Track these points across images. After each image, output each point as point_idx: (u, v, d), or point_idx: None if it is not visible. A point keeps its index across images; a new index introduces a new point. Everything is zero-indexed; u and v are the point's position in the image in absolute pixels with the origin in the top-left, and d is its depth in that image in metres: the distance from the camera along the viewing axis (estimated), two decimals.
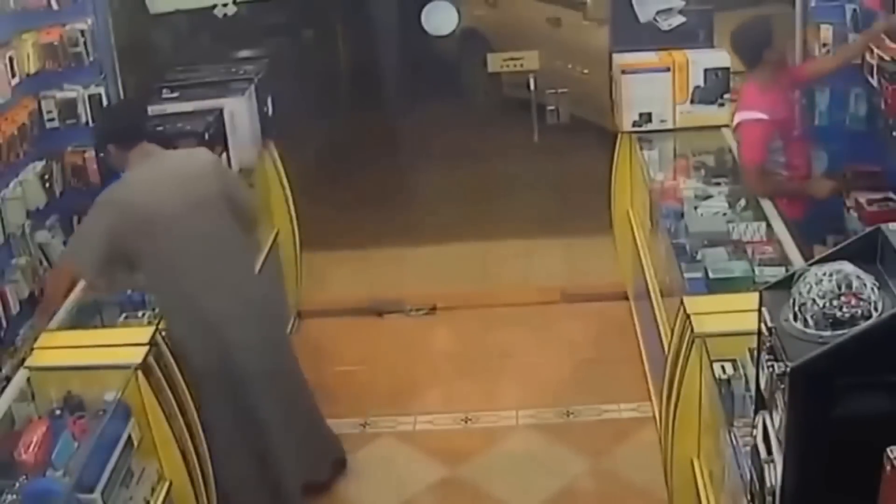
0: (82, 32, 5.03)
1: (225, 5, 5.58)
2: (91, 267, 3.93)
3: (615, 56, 5.47)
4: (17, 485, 3.22)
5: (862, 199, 4.65)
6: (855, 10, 4.81)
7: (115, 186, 4.02)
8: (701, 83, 5.21)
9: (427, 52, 8.62)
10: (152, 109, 4.97)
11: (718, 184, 4.75)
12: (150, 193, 3.91)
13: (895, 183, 4.66)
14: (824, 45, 5.00)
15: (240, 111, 5.04)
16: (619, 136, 5.55)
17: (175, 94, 5.08)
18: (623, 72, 5.29)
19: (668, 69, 5.24)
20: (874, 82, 4.62)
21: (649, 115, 5.29)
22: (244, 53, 6.39)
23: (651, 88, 5.26)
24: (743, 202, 4.52)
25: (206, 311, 3.96)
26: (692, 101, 5.25)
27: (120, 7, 5.35)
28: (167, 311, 3.98)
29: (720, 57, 5.24)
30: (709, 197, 4.61)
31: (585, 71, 7.22)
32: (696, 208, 4.51)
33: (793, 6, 5.20)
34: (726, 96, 5.20)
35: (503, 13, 8.43)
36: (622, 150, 5.59)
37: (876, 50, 4.56)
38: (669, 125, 5.29)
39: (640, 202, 5.26)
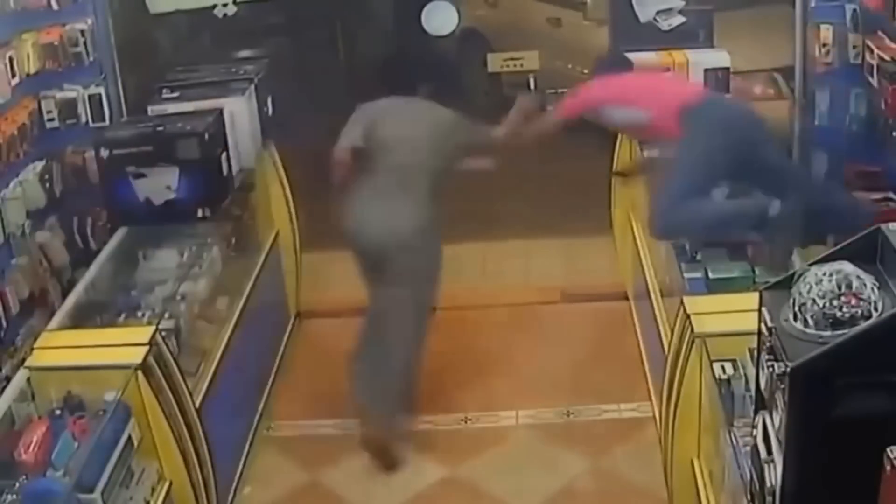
0: (82, 32, 5.04)
1: (225, 5, 5.58)
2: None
3: None
4: (17, 485, 3.23)
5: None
6: (855, 10, 4.81)
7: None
8: (701, 83, 5.21)
9: (427, 51, 8.60)
10: (152, 109, 4.98)
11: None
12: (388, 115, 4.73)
13: (895, 183, 4.66)
14: (824, 45, 5.00)
15: (240, 111, 5.03)
16: (620, 135, 5.54)
17: (175, 94, 5.07)
18: None
19: (667, 69, 5.23)
20: (874, 82, 4.62)
21: None
22: (244, 53, 6.39)
23: None
24: None
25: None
26: None
27: (120, 7, 5.36)
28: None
29: (720, 57, 5.23)
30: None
31: (585, 71, 7.21)
32: None
33: (793, 6, 5.19)
34: (727, 96, 5.20)
35: (503, 13, 8.42)
36: (622, 149, 5.58)
37: (876, 50, 4.56)
38: None
39: (641, 202, 5.25)
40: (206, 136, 4.61)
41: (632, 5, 5.45)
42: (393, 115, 4.73)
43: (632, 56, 5.34)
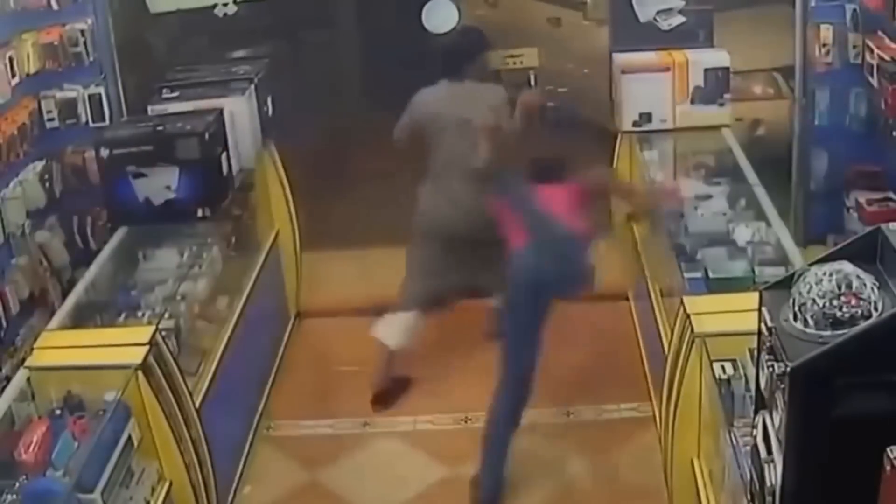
0: (82, 32, 5.05)
1: (225, 5, 5.58)
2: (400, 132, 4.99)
3: (615, 56, 5.46)
4: (17, 485, 3.22)
5: (862, 199, 4.66)
6: (855, 10, 4.82)
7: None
8: (701, 83, 5.20)
9: (428, 51, 8.58)
10: (152, 109, 4.97)
11: (718, 184, 4.74)
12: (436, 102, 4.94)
13: (895, 183, 4.67)
14: (824, 45, 5.00)
15: (240, 111, 5.02)
16: (620, 135, 5.53)
17: (175, 94, 5.07)
18: (623, 72, 5.28)
19: (668, 69, 5.23)
20: (874, 82, 4.62)
21: (649, 115, 5.28)
22: (244, 53, 6.38)
23: (651, 88, 5.25)
24: (743, 202, 4.52)
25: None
26: (692, 102, 5.23)
27: (120, 7, 5.35)
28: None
29: (720, 57, 5.23)
30: (709, 197, 4.61)
31: (585, 71, 7.21)
32: (696, 208, 4.50)
33: (793, 6, 5.19)
34: (726, 96, 5.19)
35: (503, 13, 8.41)
36: (622, 150, 5.58)
37: (876, 50, 4.57)
38: (669, 125, 5.28)
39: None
40: (207, 136, 4.60)
41: (632, 5, 5.44)
42: (445, 97, 4.93)
43: (632, 56, 5.34)
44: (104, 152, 4.57)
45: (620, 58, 5.38)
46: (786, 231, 4.22)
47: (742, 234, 4.24)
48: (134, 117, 5.10)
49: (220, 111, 4.84)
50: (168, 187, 4.58)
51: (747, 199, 4.52)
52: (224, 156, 4.79)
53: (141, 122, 4.84)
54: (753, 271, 3.95)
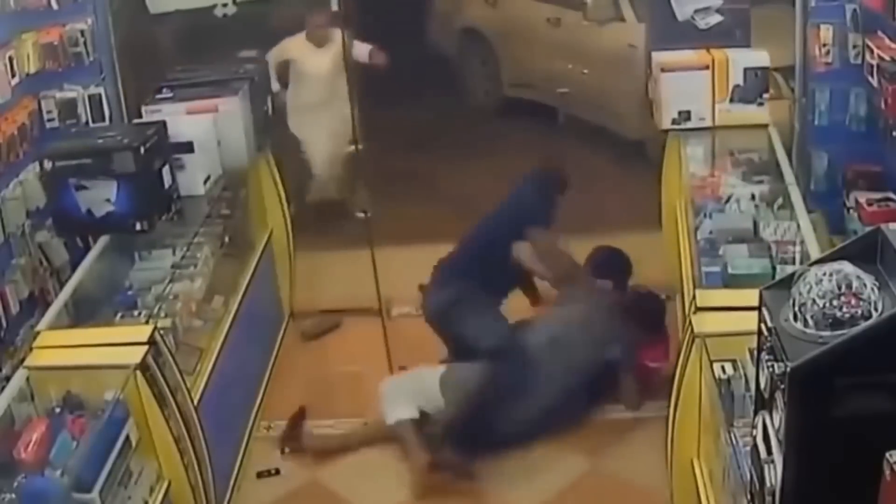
0: (82, 32, 5.04)
1: (225, 5, 5.58)
2: None
3: (654, 54, 5.39)
4: (16, 483, 3.22)
5: (862, 199, 4.65)
6: (855, 10, 4.81)
7: None
8: (741, 82, 5.12)
9: (427, 51, 8.61)
10: (146, 110, 4.93)
11: (759, 181, 4.69)
12: None
13: (895, 183, 4.66)
14: (824, 45, 5.00)
15: (232, 110, 4.98)
16: (668, 134, 5.42)
17: (170, 95, 5.03)
18: (663, 70, 5.19)
19: (707, 67, 5.15)
20: (874, 82, 4.62)
21: (688, 112, 5.19)
22: (244, 53, 6.39)
23: (690, 86, 5.14)
24: (780, 200, 4.47)
25: None
26: (731, 100, 5.15)
27: (120, 7, 5.35)
28: None
29: (759, 56, 5.16)
30: (741, 195, 4.57)
31: (585, 71, 7.22)
32: (726, 204, 4.48)
33: (793, 6, 5.19)
34: (765, 96, 5.13)
35: (503, 13, 8.43)
36: (671, 149, 5.49)
37: (876, 50, 4.56)
38: (708, 123, 5.20)
39: (683, 200, 5.16)
40: (142, 151, 4.44)
41: (670, 4, 5.38)
42: None
43: (671, 54, 5.26)
44: (48, 164, 4.46)
45: (660, 56, 5.30)
46: (811, 231, 4.16)
47: (769, 232, 4.20)
48: (88, 127, 5.04)
49: (163, 123, 4.69)
50: (108, 200, 4.46)
51: (782, 199, 4.47)
52: (166, 169, 4.65)
53: (89, 134, 4.75)
54: (774, 269, 3.92)
